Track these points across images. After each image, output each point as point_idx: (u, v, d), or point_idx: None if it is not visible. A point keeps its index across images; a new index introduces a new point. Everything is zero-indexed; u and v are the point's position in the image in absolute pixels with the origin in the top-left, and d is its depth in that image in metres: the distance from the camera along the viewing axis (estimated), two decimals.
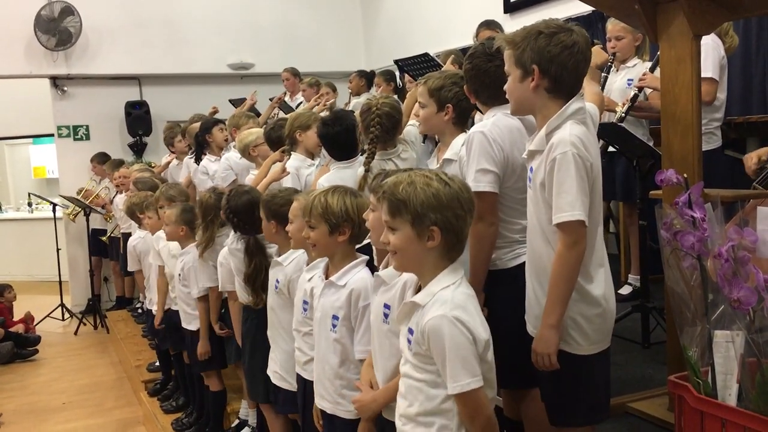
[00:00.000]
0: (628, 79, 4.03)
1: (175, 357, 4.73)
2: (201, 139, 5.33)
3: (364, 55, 8.94)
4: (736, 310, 1.84)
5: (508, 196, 2.35)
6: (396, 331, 1.97)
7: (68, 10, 7.62)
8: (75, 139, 8.25)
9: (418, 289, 1.87)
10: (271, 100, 6.60)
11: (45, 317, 7.70)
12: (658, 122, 2.82)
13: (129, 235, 5.75)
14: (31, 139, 11.19)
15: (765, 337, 1.81)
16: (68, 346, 7.18)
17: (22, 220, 10.81)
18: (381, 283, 2.13)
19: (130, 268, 5.50)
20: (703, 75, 2.64)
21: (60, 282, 7.96)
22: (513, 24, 5.68)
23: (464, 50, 3.71)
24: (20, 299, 7.65)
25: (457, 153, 2.48)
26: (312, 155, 3.86)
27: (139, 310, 6.83)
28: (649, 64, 3.89)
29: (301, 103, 6.45)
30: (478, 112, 2.61)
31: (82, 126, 8.25)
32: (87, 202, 7.65)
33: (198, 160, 5.37)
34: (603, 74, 3.68)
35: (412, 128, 3.30)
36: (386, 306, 2.08)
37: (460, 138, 2.52)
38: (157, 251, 4.48)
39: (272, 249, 3.17)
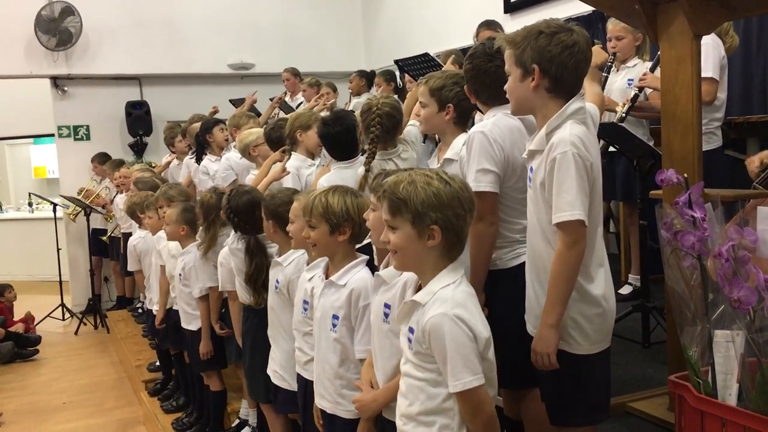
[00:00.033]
0: (629, 79, 4.03)
1: (176, 357, 4.74)
2: (201, 139, 5.33)
3: (364, 55, 8.94)
4: (736, 309, 1.84)
5: (508, 196, 2.35)
6: (396, 330, 1.97)
7: (68, 10, 7.62)
8: (75, 139, 8.25)
9: (418, 289, 1.87)
10: (271, 100, 6.60)
11: (45, 317, 7.70)
12: (659, 122, 2.82)
13: (129, 235, 5.75)
14: (31, 139, 11.20)
15: (765, 337, 1.82)
16: (68, 345, 7.19)
17: (23, 220, 10.81)
18: (381, 283, 2.13)
19: (130, 268, 5.50)
20: (703, 75, 2.64)
21: (60, 282, 7.97)
22: (513, 24, 5.68)
23: (464, 50, 3.71)
24: (21, 299, 7.66)
25: (458, 153, 2.48)
26: (312, 155, 3.87)
27: (140, 310, 6.82)
28: (649, 64, 3.89)
29: (301, 103, 6.45)
30: (478, 112, 2.61)
31: (82, 126, 8.26)
32: (87, 202, 7.64)
33: (198, 160, 5.38)
34: (603, 74, 3.67)
35: (412, 128, 3.30)
36: (386, 305, 2.08)
37: (461, 138, 2.52)
38: (158, 251, 4.49)
39: (273, 249, 3.17)
